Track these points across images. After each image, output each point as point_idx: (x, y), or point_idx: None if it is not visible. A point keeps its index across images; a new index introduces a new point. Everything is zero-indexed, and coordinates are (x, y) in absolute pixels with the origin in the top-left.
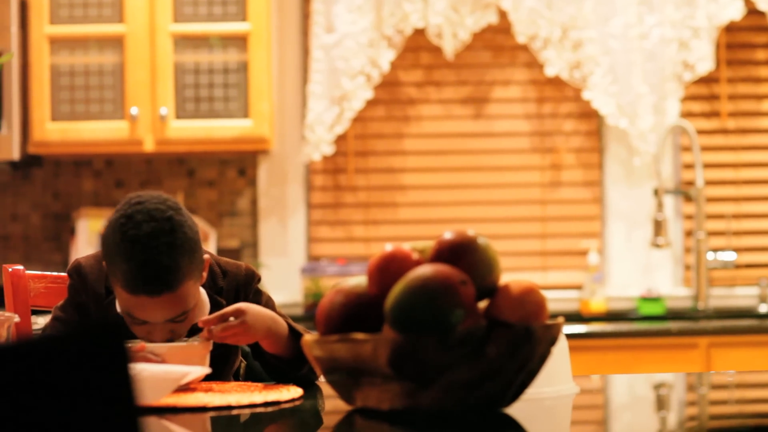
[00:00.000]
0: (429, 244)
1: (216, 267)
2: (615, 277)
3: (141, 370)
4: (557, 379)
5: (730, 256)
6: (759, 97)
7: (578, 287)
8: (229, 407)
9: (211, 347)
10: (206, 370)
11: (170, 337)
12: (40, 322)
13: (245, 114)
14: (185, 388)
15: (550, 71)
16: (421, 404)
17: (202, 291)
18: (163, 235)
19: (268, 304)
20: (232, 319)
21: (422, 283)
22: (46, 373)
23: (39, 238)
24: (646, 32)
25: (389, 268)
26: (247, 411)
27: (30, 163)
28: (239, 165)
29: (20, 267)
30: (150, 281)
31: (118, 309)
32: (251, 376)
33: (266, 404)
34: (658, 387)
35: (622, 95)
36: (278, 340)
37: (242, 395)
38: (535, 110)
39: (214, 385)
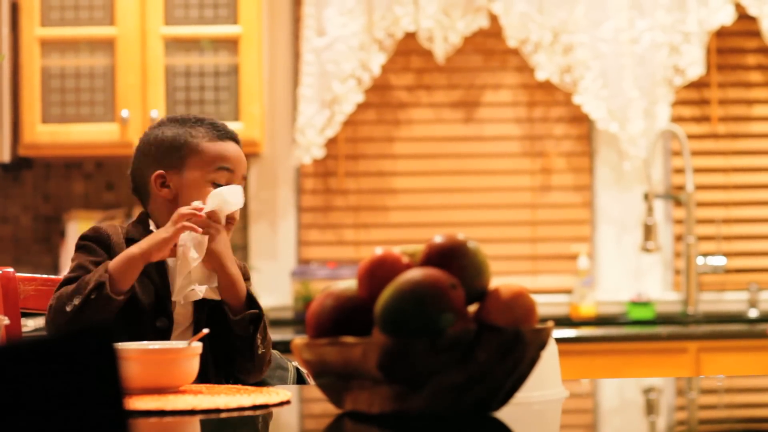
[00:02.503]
0: (419, 248)
1: None
2: (605, 282)
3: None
4: (547, 383)
5: (719, 261)
6: (749, 102)
7: (568, 291)
8: (218, 410)
9: (200, 351)
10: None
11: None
12: (30, 324)
13: (236, 117)
14: (174, 391)
15: (540, 75)
16: (410, 408)
17: None
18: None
19: None
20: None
21: (412, 286)
22: (35, 376)
23: (29, 241)
24: (636, 37)
25: (379, 272)
26: (236, 414)
27: (20, 165)
28: None
29: (10, 269)
30: (227, 128)
31: (204, 175)
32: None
33: (255, 407)
34: (647, 391)
35: (613, 99)
36: (234, 284)
37: (230, 398)
38: (525, 114)
39: (203, 387)
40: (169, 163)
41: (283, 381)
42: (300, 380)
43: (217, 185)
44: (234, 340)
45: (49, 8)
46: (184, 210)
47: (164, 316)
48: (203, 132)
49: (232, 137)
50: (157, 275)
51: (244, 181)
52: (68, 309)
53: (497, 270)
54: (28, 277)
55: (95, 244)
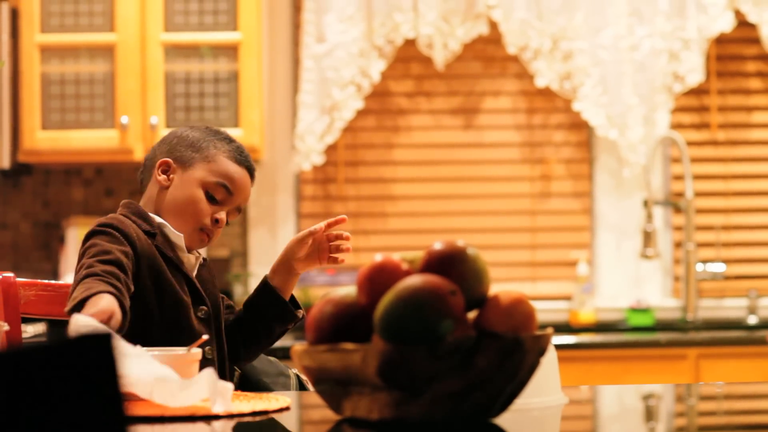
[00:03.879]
0: (418, 255)
1: None
2: (604, 288)
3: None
4: (546, 390)
5: (719, 268)
6: (749, 109)
7: (567, 298)
8: (217, 417)
9: (200, 357)
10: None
11: (227, 221)
12: (30, 330)
13: (235, 123)
14: None
15: (540, 82)
16: (410, 414)
17: None
18: None
19: None
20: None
21: (412, 293)
22: (35, 383)
23: (29, 247)
24: (636, 44)
25: (379, 279)
26: (235, 420)
27: (20, 171)
28: None
29: (10, 274)
30: (250, 159)
31: (203, 182)
32: (246, 385)
33: (254, 413)
34: (646, 398)
35: (612, 106)
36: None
37: (230, 404)
38: (525, 121)
39: None
40: (180, 156)
41: (286, 388)
42: (301, 388)
43: (210, 197)
44: (269, 328)
45: (49, 15)
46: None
47: (203, 304)
48: (227, 149)
49: (249, 168)
50: (181, 273)
51: (238, 213)
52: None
53: (497, 276)
54: (29, 282)
55: (114, 231)
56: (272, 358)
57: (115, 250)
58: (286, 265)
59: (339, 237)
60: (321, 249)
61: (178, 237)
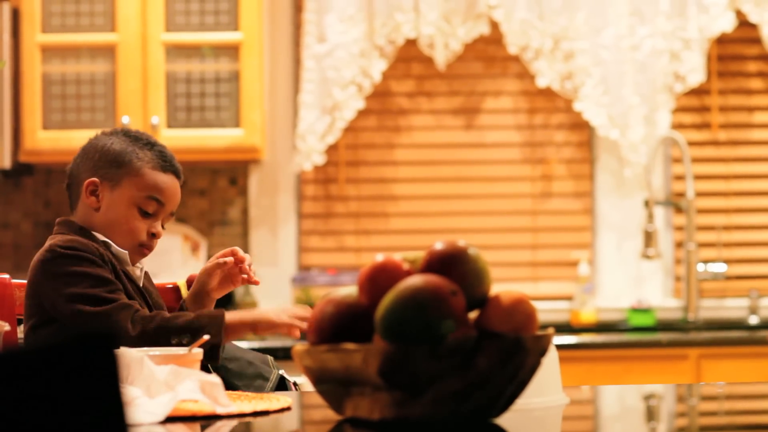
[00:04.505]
0: (420, 255)
1: None
2: (605, 288)
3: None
4: (547, 390)
5: (720, 268)
6: (750, 109)
7: (569, 298)
8: (218, 417)
9: (201, 357)
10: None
11: (160, 235)
12: None
13: (236, 123)
14: None
15: (541, 82)
16: (411, 414)
17: None
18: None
19: None
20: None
21: (413, 293)
22: (35, 383)
23: (29, 247)
24: (637, 44)
25: (380, 279)
26: (236, 420)
27: (21, 171)
28: (230, 174)
29: (6, 276)
30: (174, 162)
31: (133, 199)
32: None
33: (255, 414)
34: (648, 398)
35: (614, 106)
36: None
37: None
38: (526, 121)
39: None
40: (106, 174)
41: (260, 390)
42: (282, 388)
43: (143, 212)
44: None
45: (50, 15)
46: (302, 312)
47: (230, 304)
48: (150, 157)
49: (175, 171)
50: (134, 286)
51: (171, 217)
52: (173, 341)
53: (498, 277)
54: (24, 284)
55: (92, 256)
56: (256, 358)
57: (108, 276)
58: (201, 293)
59: (243, 260)
60: (232, 273)
61: (123, 253)
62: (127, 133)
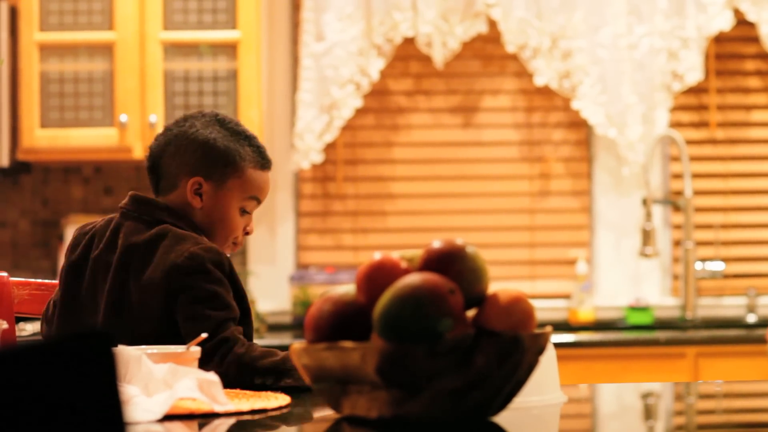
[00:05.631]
0: (417, 253)
1: None
2: (603, 287)
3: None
4: (545, 388)
5: (718, 266)
6: (748, 108)
7: (566, 296)
8: (216, 415)
9: (198, 355)
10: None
11: (252, 232)
12: (29, 328)
13: None
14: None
15: (539, 81)
16: (409, 412)
17: None
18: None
19: None
20: None
21: (411, 291)
22: (33, 381)
23: (27, 245)
24: (635, 42)
25: (378, 277)
26: (234, 418)
27: (19, 169)
28: None
29: (4, 274)
30: (267, 154)
31: (238, 200)
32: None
33: (253, 412)
34: (645, 396)
35: (611, 105)
36: None
37: (229, 403)
38: (524, 119)
39: None
40: (211, 173)
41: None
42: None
43: (243, 211)
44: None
45: (48, 13)
46: None
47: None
48: (251, 156)
49: (270, 166)
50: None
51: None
52: (257, 381)
53: (496, 275)
54: (22, 282)
55: (223, 275)
56: None
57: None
58: None
59: None
60: None
61: None
62: (223, 124)
